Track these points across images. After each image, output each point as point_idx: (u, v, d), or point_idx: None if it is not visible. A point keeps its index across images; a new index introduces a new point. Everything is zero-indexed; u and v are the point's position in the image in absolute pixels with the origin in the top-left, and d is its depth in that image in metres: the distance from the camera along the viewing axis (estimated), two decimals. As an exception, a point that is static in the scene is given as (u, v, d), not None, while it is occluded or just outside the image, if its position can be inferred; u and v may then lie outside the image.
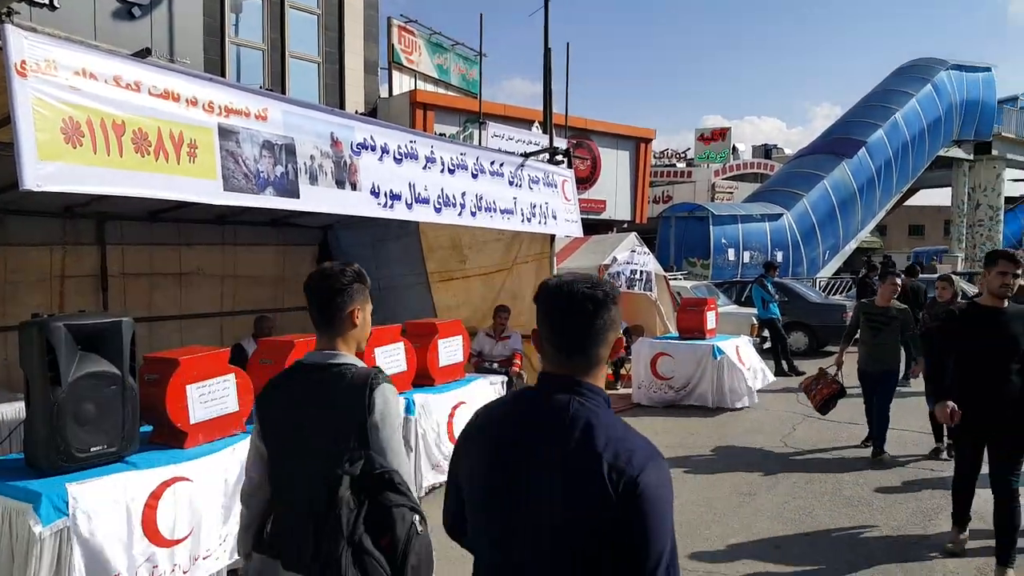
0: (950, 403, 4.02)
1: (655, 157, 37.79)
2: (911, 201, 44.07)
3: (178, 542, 3.54)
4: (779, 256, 21.40)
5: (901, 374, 6.66)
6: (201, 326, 7.59)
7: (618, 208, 25.00)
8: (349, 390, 2.07)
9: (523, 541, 1.49)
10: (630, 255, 8.75)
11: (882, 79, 28.51)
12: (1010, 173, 34.18)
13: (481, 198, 6.39)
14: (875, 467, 6.16)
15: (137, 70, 3.63)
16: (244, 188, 4.11)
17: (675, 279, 13.69)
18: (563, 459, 1.44)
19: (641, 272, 9.00)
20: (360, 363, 2.19)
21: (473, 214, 6.31)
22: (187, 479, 3.64)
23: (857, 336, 6.71)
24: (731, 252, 21.32)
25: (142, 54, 3.74)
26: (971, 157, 30.56)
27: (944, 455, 6.26)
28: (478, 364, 7.55)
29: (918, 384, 6.50)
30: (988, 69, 29.25)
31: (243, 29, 13.84)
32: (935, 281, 7.30)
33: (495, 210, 6.58)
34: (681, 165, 36.92)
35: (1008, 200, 34.80)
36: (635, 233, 9.35)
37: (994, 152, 30.49)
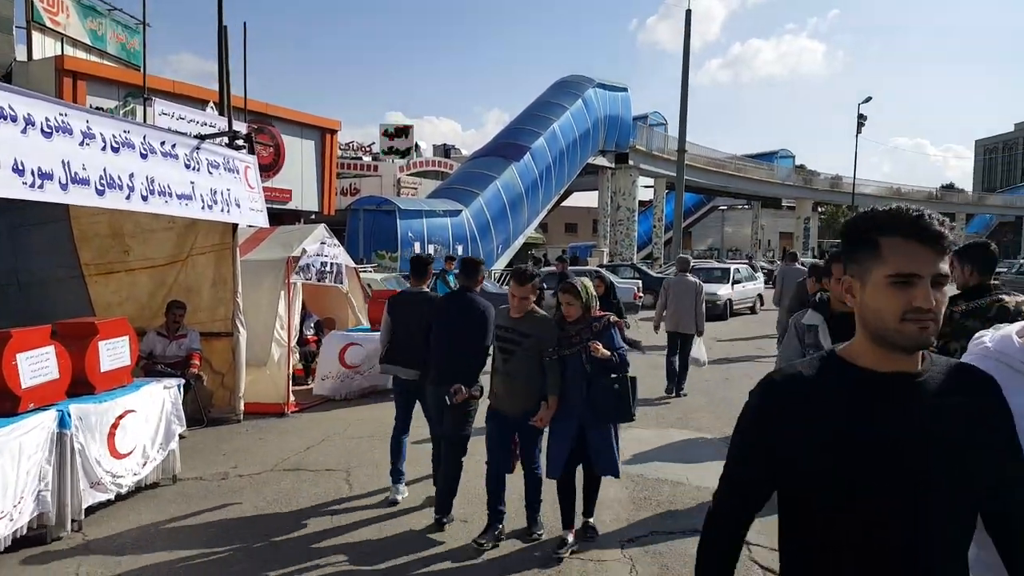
0: None
1: (342, 149, 37.49)
2: (567, 202, 50.06)
3: None
4: (460, 249, 22.79)
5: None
6: None
7: (305, 198, 24.34)
8: (430, 301, 5.20)
9: (461, 337, 4.72)
10: (320, 247, 8.59)
11: (541, 91, 31.89)
12: (643, 180, 40.77)
13: (153, 181, 5.77)
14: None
15: None
16: None
17: (366, 271, 13.80)
18: (473, 310, 4.74)
19: (332, 264, 8.88)
20: (431, 292, 5.58)
21: (145, 198, 5.67)
22: None
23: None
24: (417, 245, 22.12)
25: None
26: (613, 165, 35.74)
27: (568, 550, 4.26)
28: (148, 367, 6.80)
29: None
30: (625, 89, 34.40)
31: None
32: (557, 293, 4.39)
33: (171, 195, 5.99)
34: (368, 159, 37.18)
35: (641, 203, 41.48)
36: (324, 225, 9.19)
37: (631, 162, 36.06)
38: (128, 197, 5.49)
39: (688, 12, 29.98)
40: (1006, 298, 3.44)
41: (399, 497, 5.18)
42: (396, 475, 5.23)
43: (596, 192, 38.20)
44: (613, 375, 4.22)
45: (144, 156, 5.71)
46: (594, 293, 4.39)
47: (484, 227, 25.03)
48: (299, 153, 23.97)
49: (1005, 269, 27.85)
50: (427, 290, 5.48)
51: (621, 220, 36.63)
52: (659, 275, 22.31)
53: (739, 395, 6.81)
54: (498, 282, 21.99)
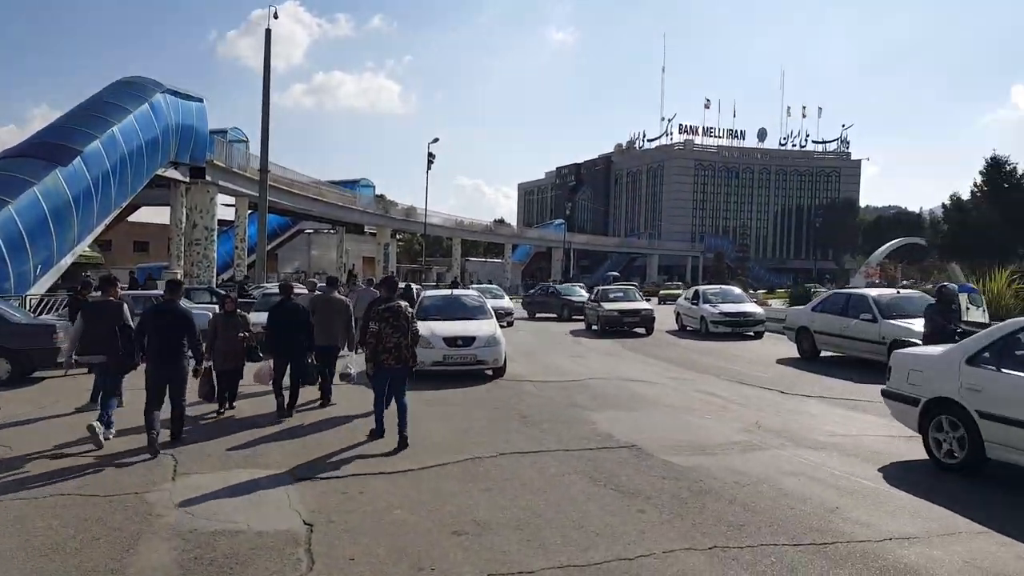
0: None
1: None
2: (135, 217, 44.55)
3: None
4: (-21, 269, 18.18)
5: None
6: None
7: None
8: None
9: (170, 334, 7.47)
10: None
11: (97, 91, 27.72)
12: (223, 198, 38.35)
13: None
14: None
15: None
16: None
17: None
18: (181, 316, 7.60)
19: None
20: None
21: None
22: None
23: None
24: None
25: None
26: (188, 180, 32.85)
27: None
28: None
29: None
30: (201, 100, 31.96)
31: None
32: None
33: None
34: None
35: (222, 223, 38.93)
36: None
37: (208, 177, 33.58)
38: None
39: (268, 32, 29.36)
40: (403, 303, 7.70)
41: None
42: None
43: (169, 208, 34.62)
44: None
45: None
46: None
47: (16, 242, 20.26)
48: None
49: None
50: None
51: (198, 239, 33.84)
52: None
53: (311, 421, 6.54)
54: (34, 310, 18.16)
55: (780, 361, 15.08)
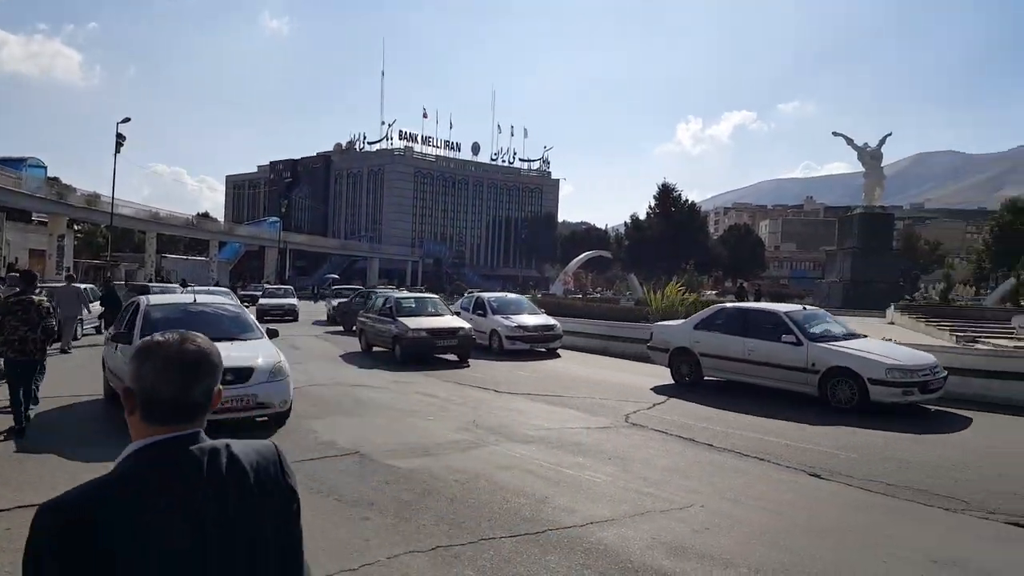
0: None
1: None
2: None
3: None
4: None
5: None
6: None
7: None
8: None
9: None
10: None
11: None
12: None
13: None
14: None
15: None
16: None
17: None
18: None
19: None
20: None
21: None
22: None
23: None
24: None
25: None
26: None
27: None
28: None
29: None
30: None
31: None
32: None
33: None
34: None
35: None
36: None
37: None
38: None
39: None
40: (39, 297, 8.04)
41: None
42: None
43: None
44: None
45: None
46: None
47: None
48: None
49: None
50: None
51: None
52: None
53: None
54: None
55: (658, 390, 12.05)
